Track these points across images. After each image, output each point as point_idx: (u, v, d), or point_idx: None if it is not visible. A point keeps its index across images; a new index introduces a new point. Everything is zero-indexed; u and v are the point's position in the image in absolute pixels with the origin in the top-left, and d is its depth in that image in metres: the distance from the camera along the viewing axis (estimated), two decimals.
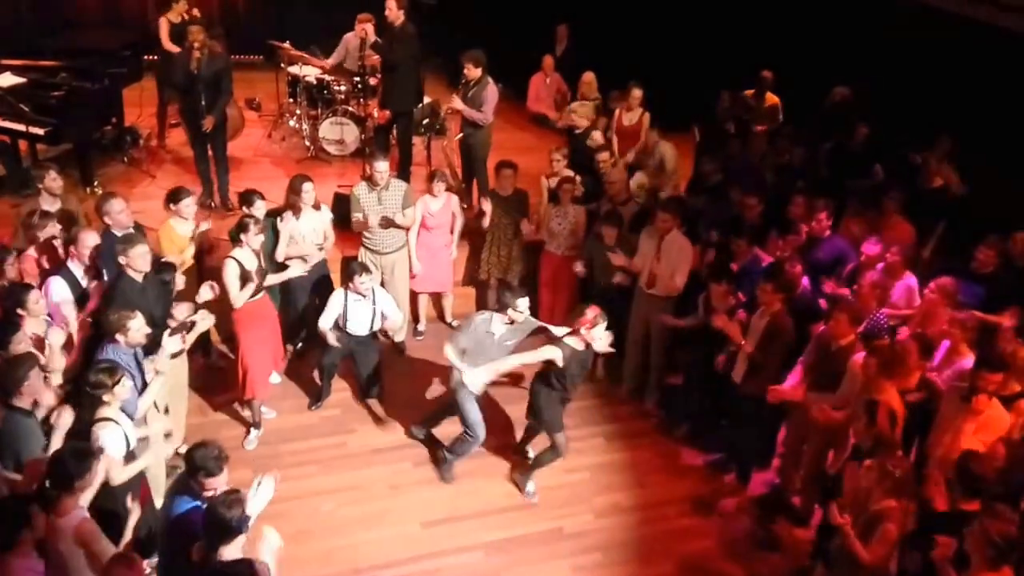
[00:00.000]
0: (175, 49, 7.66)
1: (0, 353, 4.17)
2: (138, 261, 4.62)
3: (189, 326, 4.82)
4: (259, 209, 5.62)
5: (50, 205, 5.43)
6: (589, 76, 8.47)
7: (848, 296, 5.39)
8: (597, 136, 7.46)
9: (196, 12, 8.09)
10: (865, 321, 5.18)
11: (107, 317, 4.31)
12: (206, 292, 5.06)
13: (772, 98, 8.13)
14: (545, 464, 5.36)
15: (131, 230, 5.15)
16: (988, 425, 4.37)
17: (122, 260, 4.61)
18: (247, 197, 5.66)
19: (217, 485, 3.50)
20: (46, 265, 5.08)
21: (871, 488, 4.02)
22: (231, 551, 3.22)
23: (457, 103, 7.18)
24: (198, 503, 3.50)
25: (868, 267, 5.49)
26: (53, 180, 5.44)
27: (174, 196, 5.51)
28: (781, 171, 7.19)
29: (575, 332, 4.91)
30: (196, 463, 3.50)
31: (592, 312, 4.86)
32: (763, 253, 5.88)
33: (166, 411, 4.96)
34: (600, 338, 4.89)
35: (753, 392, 5.22)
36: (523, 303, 5.04)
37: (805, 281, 5.64)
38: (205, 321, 4.87)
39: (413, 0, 7.78)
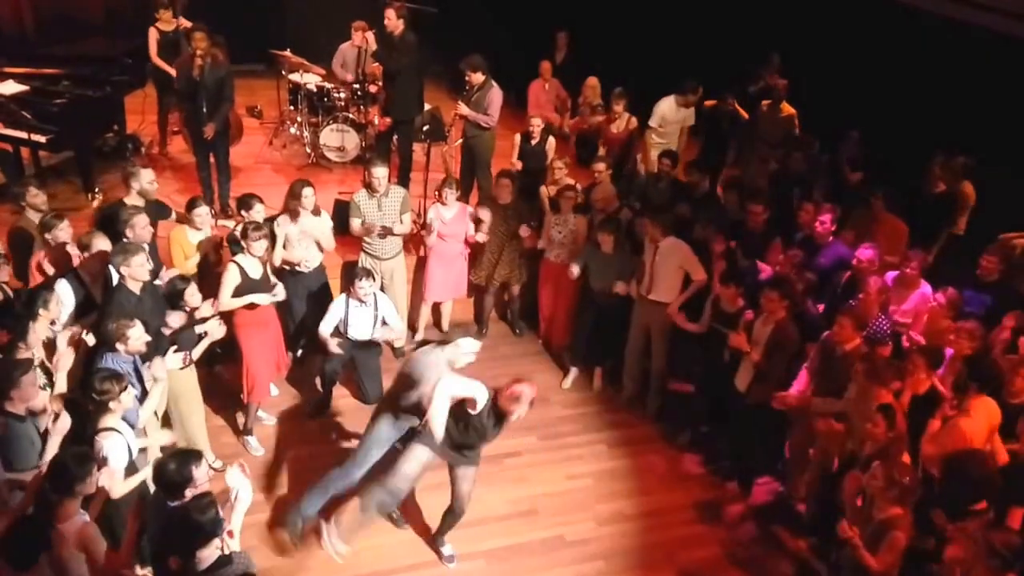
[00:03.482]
0: (162, 64, 7.70)
1: (21, 346, 4.19)
2: (138, 271, 4.63)
3: (197, 339, 4.82)
4: (258, 213, 5.62)
5: (36, 220, 5.37)
6: (593, 81, 8.48)
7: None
8: (551, 149, 7.41)
9: (184, 21, 8.10)
10: (868, 327, 5.16)
11: (106, 326, 4.30)
12: (207, 309, 4.96)
13: (788, 108, 8.01)
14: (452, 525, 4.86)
15: (146, 244, 5.14)
16: (949, 434, 4.36)
17: (123, 271, 4.61)
18: (245, 201, 5.67)
19: (204, 474, 3.52)
20: (50, 270, 5.06)
21: (875, 495, 4.00)
22: (208, 553, 3.22)
23: (463, 109, 7.23)
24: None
25: (865, 272, 5.47)
26: (35, 196, 5.42)
27: (189, 204, 5.58)
28: (781, 179, 7.20)
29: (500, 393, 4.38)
30: (183, 473, 3.46)
31: (526, 391, 4.33)
32: (762, 264, 5.87)
33: (168, 425, 4.95)
34: (518, 415, 4.36)
35: (758, 400, 5.21)
36: (469, 343, 4.57)
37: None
38: (217, 331, 4.86)
39: (413, 8, 7.81)
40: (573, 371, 6.60)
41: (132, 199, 5.66)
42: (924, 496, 4.28)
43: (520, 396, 4.30)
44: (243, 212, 5.62)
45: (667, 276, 5.77)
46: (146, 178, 5.66)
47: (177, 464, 3.47)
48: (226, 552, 3.31)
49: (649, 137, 7.90)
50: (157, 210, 5.77)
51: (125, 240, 5.02)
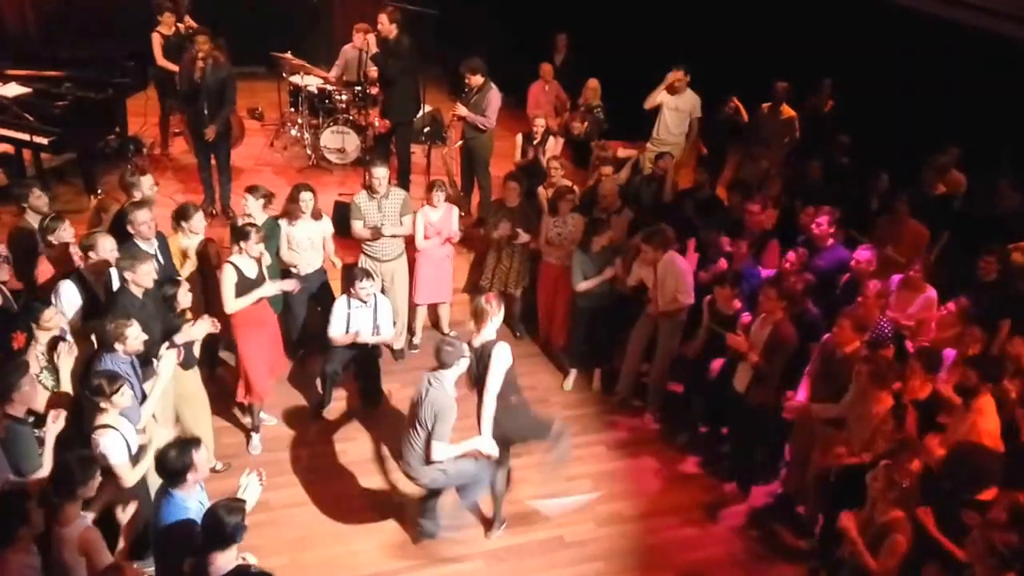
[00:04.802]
0: (169, 65, 7.73)
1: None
2: (143, 278, 4.65)
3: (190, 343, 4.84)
4: (253, 206, 5.68)
5: (36, 222, 5.39)
6: (594, 83, 8.48)
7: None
8: (551, 149, 7.44)
9: (191, 23, 8.14)
10: (869, 329, 5.17)
11: (104, 327, 4.32)
12: (202, 327, 4.90)
13: (788, 111, 7.98)
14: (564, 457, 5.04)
15: (154, 241, 5.18)
16: (972, 436, 4.35)
17: (128, 276, 4.63)
18: (253, 189, 5.75)
19: (205, 460, 3.59)
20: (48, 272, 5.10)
21: (876, 498, 4.00)
22: (225, 559, 3.21)
23: (462, 110, 7.26)
24: (191, 518, 3.51)
25: (863, 274, 5.48)
26: (38, 198, 5.43)
27: (183, 213, 5.50)
28: (795, 185, 7.22)
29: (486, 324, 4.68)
30: (184, 459, 3.52)
31: (490, 302, 4.66)
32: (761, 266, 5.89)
33: (177, 420, 4.99)
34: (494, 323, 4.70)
35: (757, 401, 5.21)
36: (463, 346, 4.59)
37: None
38: (201, 327, 4.86)
39: (413, 11, 7.83)
40: (573, 372, 6.61)
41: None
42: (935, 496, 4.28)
43: (483, 311, 4.61)
44: (246, 192, 5.71)
45: (671, 289, 5.75)
46: (146, 184, 5.66)
47: (177, 451, 3.53)
48: (246, 563, 3.32)
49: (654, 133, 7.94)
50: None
51: (134, 244, 5.05)
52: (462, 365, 4.51)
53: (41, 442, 3.97)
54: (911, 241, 6.12)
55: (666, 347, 6.01)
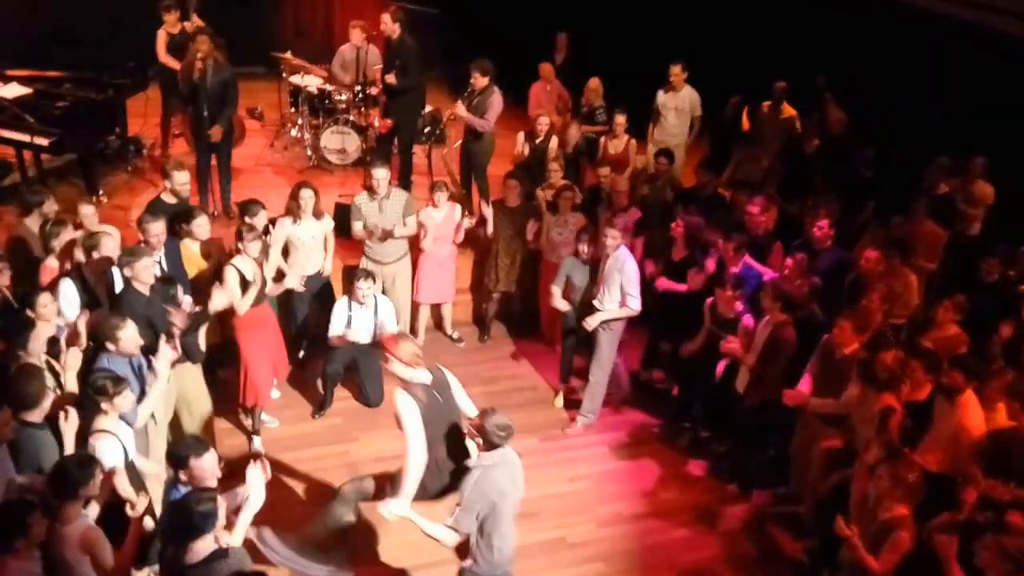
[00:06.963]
0: (172, 62, 7.72)
1: (20, 353, 4.17)
2: (143, 274, 4.64)
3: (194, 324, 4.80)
4: (260, 219, 5.65)
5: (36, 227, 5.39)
6: (595, 82, 8.48)
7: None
8: (554, 146, 7.42)
9: (198, 21, 8.14)
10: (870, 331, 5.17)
11: (100, 327, 4.31)
12: (220, 299, 4.96)
13: (788, 110, 8.01)
14: None
15: (161, 249, 5.16)
16: (959, 431, 4.37)
17: (127, 273, 4.63)
18: (247, 207, 5.68)
19: (206, 466, 3.54)
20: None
21: (881, 496, 4.00)
22: (203, 546, 3.24)
23: (461, 110, 7.22)
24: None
25: (871, 273, 5.47)
26: (50, 205, 5.43)
27: (185, 216, 5.45)
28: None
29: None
30: (181, 453, 3.55)
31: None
32: (762, 267, 5.86)
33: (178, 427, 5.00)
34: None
35: (756, 402, 5.21)
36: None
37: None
38: (219, 299, 4.89)
39: (414, 10, 7.83)
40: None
41: (166, 196, 5.74)
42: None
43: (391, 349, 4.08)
44: (246, 218, 5.59)
45: (616, 290, 5.58)
46: (179, 180, 5.73)
47: (183, 445, 3.60)
48: (223, 547, 3.33)
49: (650, 133, 7.92)
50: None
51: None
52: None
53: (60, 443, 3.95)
54: (928, 242, 6.13)
55: (605, 358, 5.79)
